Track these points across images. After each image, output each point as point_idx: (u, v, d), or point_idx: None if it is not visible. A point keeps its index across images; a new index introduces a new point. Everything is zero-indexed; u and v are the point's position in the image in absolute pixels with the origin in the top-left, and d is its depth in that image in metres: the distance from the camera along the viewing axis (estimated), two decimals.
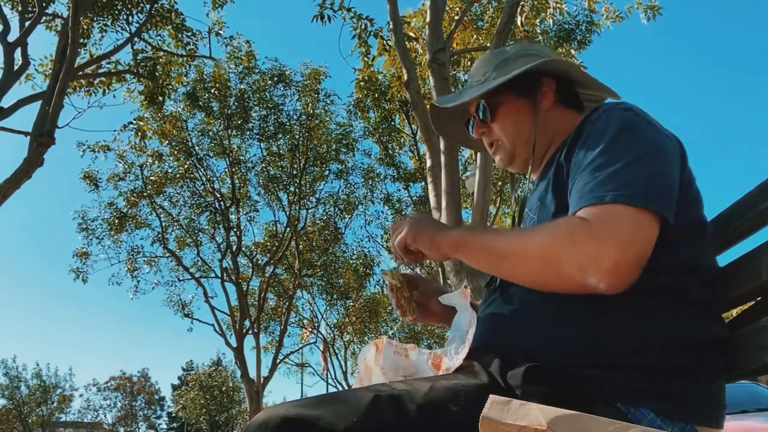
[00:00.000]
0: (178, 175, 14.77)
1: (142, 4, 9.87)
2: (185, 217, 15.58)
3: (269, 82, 14.24)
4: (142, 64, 10.32)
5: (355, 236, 25.46)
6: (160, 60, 10.67)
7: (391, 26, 6.05)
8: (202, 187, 15.11)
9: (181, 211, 15.44)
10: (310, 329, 19.76)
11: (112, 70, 10.34)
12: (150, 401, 44.30)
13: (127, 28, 10.00)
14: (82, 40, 9.36)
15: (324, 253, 16.95)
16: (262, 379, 15.12)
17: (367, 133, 15.17)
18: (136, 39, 10.03)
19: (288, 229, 15.44)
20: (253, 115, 14.54)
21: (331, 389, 20.79)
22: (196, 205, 15.28)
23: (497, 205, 14.05)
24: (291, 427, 0.78)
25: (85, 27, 9.62)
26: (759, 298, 1.00)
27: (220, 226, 15.28)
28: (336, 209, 16.43)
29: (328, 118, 15.18)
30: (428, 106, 1.35)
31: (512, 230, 0.97)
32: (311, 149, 15.06)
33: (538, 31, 10.01)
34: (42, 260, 70.48)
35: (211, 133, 14.73)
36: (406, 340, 18.53)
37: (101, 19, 9.93)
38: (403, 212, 15.90)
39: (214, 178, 15.18)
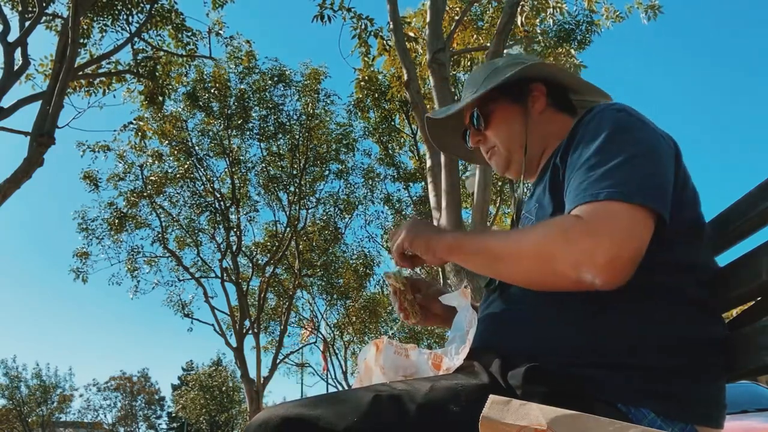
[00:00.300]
0: (178, 175, 14.77)
1: (142, 4, 9.87)
2: (185, 217, 15.59)
3: (269, 82, 14.24)
4: (142, 64, 10.32)
5: (355, 236, 25.48)
6: (160, 60, 10.67)
7: (391, 26, 6.05)
8: (202, 187, 15.11)
9: (181, 211, 15.46)
10: (310, 329, 19.76)
11: (112, 70, 10.34)
12: (150, 401, 44.30)
13: (127, 28, 10.01)
14: (82, 40, 9.36)
15: (324, 253, 16.95)
16: (262, 379, 15.12)
17: (367, 133, 15.18)
18: (136, 39, 10.03)
19: (288, 229, 15.44)
20: (253, 115, 14.54)
21: (331, 389, 20.79)
22: (196, 205, 15.28)
23: (497, 205, 14.05)
24: (291, 427, 0.78)
25: (85, 27, 9.62)
26: (759, 298, 1.00)
27: (220, 226, 15.28)
28: (336, 209, 16.44)
29: (328, 118, 15.18)
30: (426, 117, 1.37)
31: (507, 231, 0.98)
32: (311, 149, 15.06)
33: (538, 31, 10.01)
34: (42, 260, 70.56)
35: (211, 133, 14.73)
36: (406, 340, 18.52)
37: (101, 19, 9.93)
38: (403, 212, 15.91)
39: (214, 178, 15.19)
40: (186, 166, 14.73)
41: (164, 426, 46.13)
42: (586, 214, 0.85)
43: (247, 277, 15.75)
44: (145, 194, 14.64)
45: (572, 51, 10.19)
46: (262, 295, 15.69)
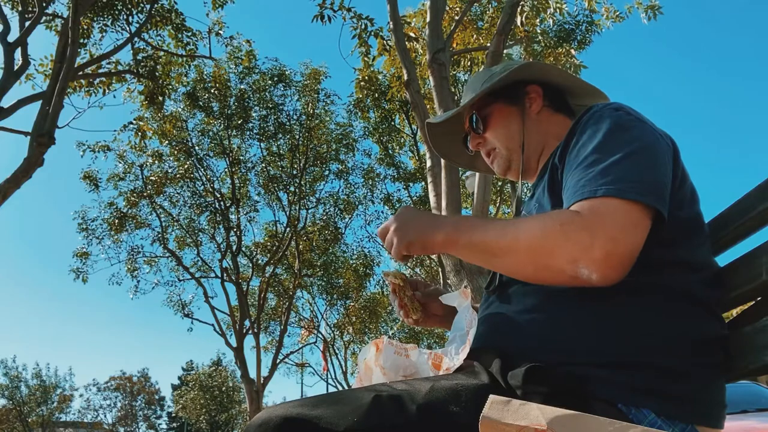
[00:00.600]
0: (178, 175, 14.77)
1: (142, 4, 9.87)
2: (185, 217, 15.59)
3: (269, 82, 14.24)
4: (142, 64, 10.32)
5: (355, 236, 25.55)
6: (160, 60, 10.68)
7: (391, 26, 6.05)
8: (202, 187, 15.11)
9: (181, 211, 15.46)
10: (309, 329, 19.76)
11: (112, 70, 10.34)
12: (150, 401, 44.29)
13: (127, 28, 10.01)
14: (82, 40, 9.37)
15: (324, 253, 16.95)
16: (262, 379, 15.12)
17: (367, 133, 15.18)
18: (136, 39, 10.03)
19: (288, 229, 15.44)
20: (253, 115, 14.54)
21: (331, 389, 20.80)
22: (196, 205, 15.28)
23: (497, 205, 14.06)
24: (291, 426, 0.78)
25: (85, 27, 9.62)
26: (759, 298, 1.00)
27: (220, 226, 15.28)
28: (336, 209, 16.43)
29: (328, 118, 15.19)
30: (426, 123, 1.38)
31: (502, 222, 0.95)
32: (311, 149, 15.06)
33: (538, 31, 10.01)
34: (42, 260, 70.56)
35: (211, 133, 14.73)
36: (406, 340, 18.52)
37: (101, 19, 9.94)
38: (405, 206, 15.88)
39: (214, 178, 15.20)
40: (186, 166, 14.73)
41: (164, 426, 46.17)
42: (583, 209, 0.86)
43: (247, 277, 15.75)
44: (145, 194, 14.64)
45: (572, 51, 10.19)
46: (262, 295, 15.69)
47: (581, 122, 1.00)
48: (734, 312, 1.33)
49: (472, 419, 0.72)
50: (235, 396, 37.62)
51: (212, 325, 15.38)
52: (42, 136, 7.38)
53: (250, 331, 15.00)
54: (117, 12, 9.81)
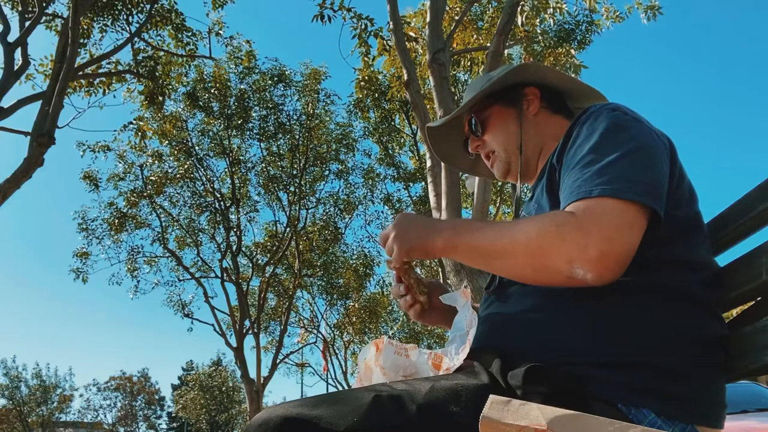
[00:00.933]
0: (178, 175, 14.78)
1: (142, 4, 9.88)
2: (185, 217, 15.60)
3: (269, 82, 14.24)
4: (142, 64, 10.32)
5: (355, 236, 25.59)
6: (160, 60, 10.68)
7: (391, 26, 6.05)
8: (202, 187, 15.11)
9: (181, 211, 15.47)
10: (307, 330, 19.76)
11: (112, 70, 10.35)
12: (150, 401, 44.28)
13: (127, 28, 10.02)
14: (82, 40, 9.37)
15: (324, 253, 16.95)
16: (262, 379, 15.13)
17: (367, 133, 15.19)
18: (136, 39, 10.04)
19: (288, 229, 15.44)
20: (253, 115, 14.55)
21: (331, 389, 20.80)
22: (196, 205, 15.28)
23: (497, 205, 14.06)
24: (291, 426, 0.78)
25: (85, 27, 9.63)
26: (759, 298, 1.00)
27: (220, 226, 15.29)
28: (336, 209, 16.44)
29: (328, 118, 15.20)
30: (426, 127, 1.39)
31: (499, 224, 0.96)
32: (311, 149, 15.06)
33: (538, 31, 10.00)
34: (42, 260, 70.55)
35: (211, 133, 14.74)
36: (406, 340, 18.54)
37: (101, 19, 9.94)
38: (403, 212, 15.90)
39: (214, 178, 15.20)
40: (186, 166, 14.73)
41: (164, 426, 46.17)
42: (578, 210, 0.86)
43: (247, 277, 15.75)
44: (145, 194, 14.64)
45: (572, 51, 10.19)
46: (262, 295, 15.69)
47: (578, 122, 1.01)
48: (734, 312, 1.33)
49: (472, 419, 0.72)
50: (235, 396, 37.63)
51: (212, 325, 15.40)
52: (42, 136, 7.39)
53: (250, 331, 15.00)
54: (117, 12, 9.81)
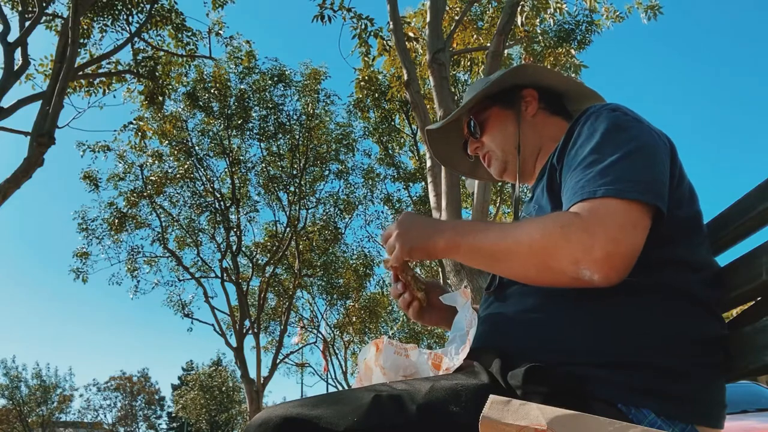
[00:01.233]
0: (178, 175, 14.78)
1: (142, 4, 9.88)
2: (185, 217, 15.60)
3: (269, 82, 14.24)
4: (142, 64, 10.32)
5: (355, 236, 25.60)
6: (160, 60, 10.68)
7: (391, 26, 6.05)
8: (202, 187, 15.11)
9: (181, 211, 15.47)
10: (306, 329, 19.75)
11: (112, 70, 10.35)
12: (150, 401, 44.29)
13: (127, 28, 10.02)
14: (82, 40, 9.37)
15: (324, 253, 16.95)
16: (262, 379, 15.13)
17: (367, 133, 15.19)
18: (136, 39, 10.04)
19: (288, 229, 15.44)
20: (253, 115, 14.55)
21: (331, 389, 20.80)
22: (196, 205, 15.29)
23: (497, 205, 14.06)
24: (291, 426, 0.78)
25: (85, 27, 9.63)
26: (759, 298, 1.00)
27: (220, 226, 15.29)
28: (336, 209, 16.44)
29: (328, 118, 15.20)
30: (426, 130, 1.40)
31: (502, 225, 0.96)
32: (311, 149, 15.06)
33: (538, 31, 10.00)
34: (42, 260, 70.56)
35: (211, 133, 14.74)
36: (406, 340, 18.53)
37: (101, 19, 9.94)
38: (403, 212, 15.90)
39: (214, 178, 15.20)
40: (186, 166, 14.73)
41: (164, 426, 46.17)
42: (583, 211, 0.86)
43: (247, 277, 15.75)
44: (145, 194, 14.64)
45: (572, 51, 10.18)
46: (262, 295, 15.69)
47: (579, 123, 1.01)
48: (734, 312, 1.33)
49: (472, 419, 0.72)
50: (235, 396, 37.62)
51: (212, 325, 15.40)
52: (42, 136, 7.39)
53: (250, 331, 15.00)
54: (117, 12, 9.81)
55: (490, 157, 1.25)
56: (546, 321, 0.93)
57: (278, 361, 16.60)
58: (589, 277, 0.83)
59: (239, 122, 14.26)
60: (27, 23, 8.44)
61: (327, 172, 15.84)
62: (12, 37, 8.26)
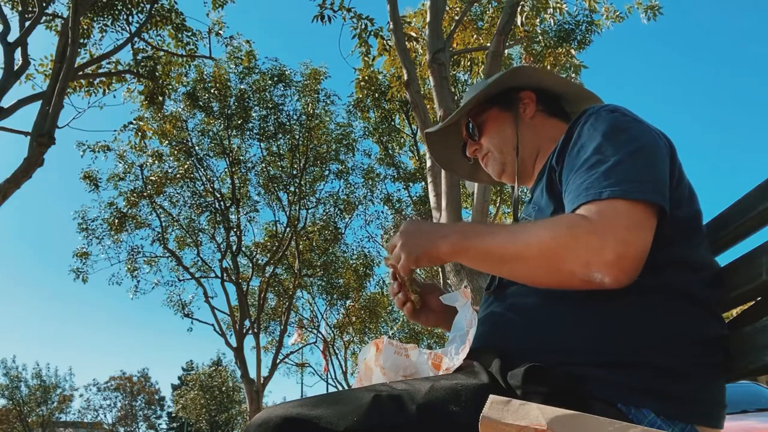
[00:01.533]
0: (178, 175, 14.77)
1: (142, 4, 9.88)
2: (185, 217, 15.59)
3: (269, 82, 14.24)
4: (142, 64, 10.32)
5: (355, 236, 25.58)
6: (160, 60, 10.68)
7: (391, 26, 6.04)
8: (202, 187, 15.11)
9: (181, 211, 15.46)
10: (306, 328, 19.74)
11: (112, 70, 10.34)
12: (150, 401, 44.28)
13: (127, 28, 10.02)
14: (82, 40, 9.37)
15: (324, 253, 16.95)
16: (262, 379, 15.12)
17: (367, 133, 15.19)
18: (136, 39, 10.03)
19: (288, 229, 15.44)
20: (253, 115, 14.54)
21: (331, 389, 20.79)
22: (196, 205, 15.28)
23: (497, 205, 14.06)
24: (291, 426, 0.78)
25: (85, 27, 9.62)
26: (759, 298, 1.00)
27: (220, 226, 15.28)
28: (336, 209, 16.44)
29: (328, 118, 15.19)
30: (425, 133, 1.41)
31: (508, 227, 0.95)
32: (311, 149, 15.06)
33: (538, 31, 10.00)
34: (42, 260, 70.54)
35: (211, 133, 14.73)
36: (406, 340, 18.53)
37: (101, 19, 9.94)
38: (403, 212, 15.91)
39: (214, 178, 15.20)
40: (186, 166, 14.73)
41: (164, 426, 46.16)
42: (590, 213, 0.86)
43: (247, 277, 15.75)
44: (145, 194, 14.64)
45: (572, 51, 10.18)
46: (262, 295, 15.69)
47: (578, 123, 1.01)
48: (734, 312, 1.33)
49: (472, 419, 0.72)
50: (235, 396, 37.62)
51: (212, 325, 15.40)
52: (42, 136, 7.38)
53: (250, 331, 15.00)
54: (117, 12, 9.81)
55: (488, 158, 1.25)
56: (546, 321, 0.93)
57: (278, 361, 16.60)
58: (600, 280, 0.84)
59: (239, 122, 14.26)
60: (27, 23, 8.44)
61: (327, 172, 15.84)
62: (12, 37, 8.27)
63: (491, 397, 0.71)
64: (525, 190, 1.26)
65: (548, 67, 9.77)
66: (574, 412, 0.69)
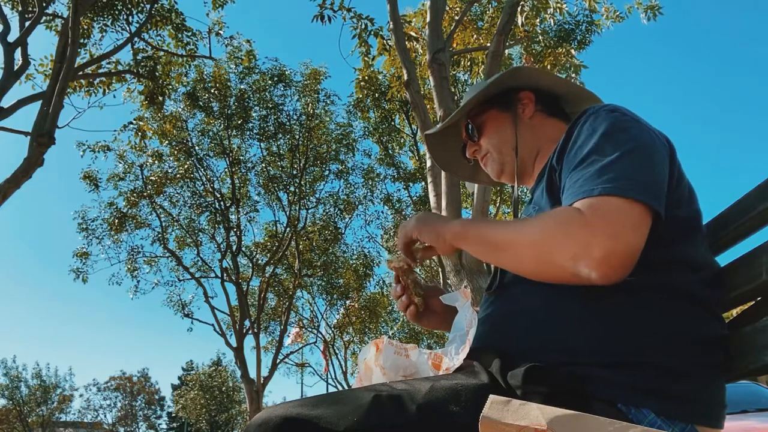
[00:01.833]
0: (178, 175, 14.77)
1: (142, 4, 9.88)
2: (185, 217, 15.59)
3: (269, 82, 14.23)
4: (142, 64, 10.32)
5: (355, 236, 25.60)
6: (160, 60, 10.67)
7: (391, 26, 6.05)
8: (202, 187, 15.10)
9: (181, 211, 15.45)
10: (305, 328, 19.73)
11: (112, 70, 10.34)
12: (150, 401, 44.28)
13: (127, 28, 10.02)
14: (82, 40, 9.37)
15: (324, 253, 16.95)
16: (262, 379, 15.12)
17: (367, 133, 15.18)
18: (136, 39, 10.03)
19: (288, 229, 15.44)
20: (253, 115, 14.54)
21: (331, 389, 20.79)
22: (196, 205, 15.27)
23: (497, 205, 14.06)
24: (291, 426, 0.78)
25: (85, 27, 9.62)
26: (759, 298, 1.00)
27: (220, 226, 15.28)
28: (336, 209, 16.43)
29: (328, 118, 15.18)
30: (425, 135, 1.43)
31: (510, 221, 0.98)
32: (311, 149, 15.06)
33: (538, 31, 10.00)
34: (42, 260, 70.54)
35: (211, 133, 14.73)
36: (406, 340, 18.53)
37: (101, 19, 9.94)
38: (403, 212, 15.91)
39: (214, 178, 15.19)
40: (186, 166, 14.73)
41: (164, 426, 46.16)
42: (583, 207, 0.87)
43: (247, 277, 15.74)
44: (145, 194, 14.63)
45: (572, 51, 10.18)
46: (262, 295, 15.68)
47: (578, 123, 1.01)
48: (734, 312, 1.33)
49: (472, 419, 0.72)
50: (235, 396, 37.62)
51: (212, 325, 15.39)
52: (42, 136, 7.38)
53: (250, 331, 14.99)
54: (117, 12, 9.81)
55: (487, 159, 1.25)
56: (547, 321, 0.93)
57: (278, 361, 16.59)
58: (587, 275, 0.84)
59: (239, 122, 14.26)
60: (27, 23, 8.44)
61: (327, 172, 15.84)
62: (12, 37, 8.26)
63: (491, 397, 0.71)
64: (525, 190, 1.27)
65: (548, 67, 9.77)
66: (574, 412, 0.69)
